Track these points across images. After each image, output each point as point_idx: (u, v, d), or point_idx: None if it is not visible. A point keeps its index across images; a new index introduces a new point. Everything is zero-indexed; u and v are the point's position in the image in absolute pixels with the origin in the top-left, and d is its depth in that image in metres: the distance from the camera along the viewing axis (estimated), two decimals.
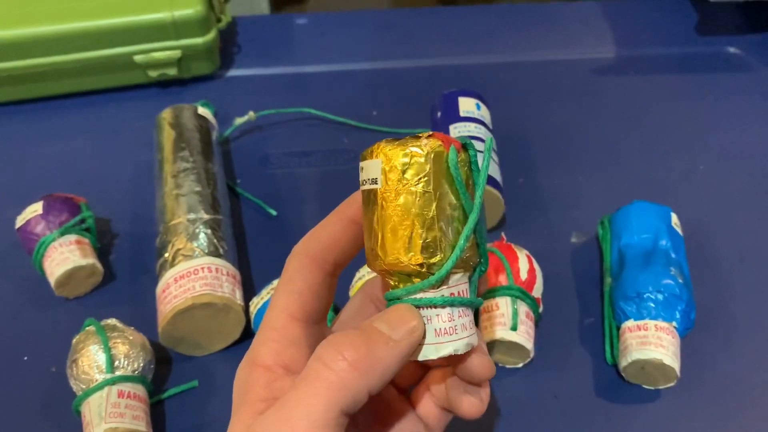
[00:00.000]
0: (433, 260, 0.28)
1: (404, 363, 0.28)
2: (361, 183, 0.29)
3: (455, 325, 0.28)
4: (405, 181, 0.28)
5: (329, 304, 0.32)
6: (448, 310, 0.28)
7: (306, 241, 0.32)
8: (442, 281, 0.28)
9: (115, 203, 0.56)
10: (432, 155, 0.28)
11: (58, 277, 0.47)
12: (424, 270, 0.28)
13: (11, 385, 0.45)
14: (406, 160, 0.28)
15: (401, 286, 0.28)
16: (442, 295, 0.28)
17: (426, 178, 0.28)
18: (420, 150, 0.28)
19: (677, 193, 0.55)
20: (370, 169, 0.28)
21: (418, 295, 0.28)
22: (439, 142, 0.28)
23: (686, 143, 0.60)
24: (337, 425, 0.26)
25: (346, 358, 0.26)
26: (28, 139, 0.62)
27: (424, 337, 0.28)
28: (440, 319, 0.28)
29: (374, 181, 0.28)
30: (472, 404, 0.31)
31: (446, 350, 0.28)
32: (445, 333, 0.28)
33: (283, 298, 0.31)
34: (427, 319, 0.28)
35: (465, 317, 0.28)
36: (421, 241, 0.28)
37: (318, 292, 0.31)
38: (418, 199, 0.28)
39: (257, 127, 0.62)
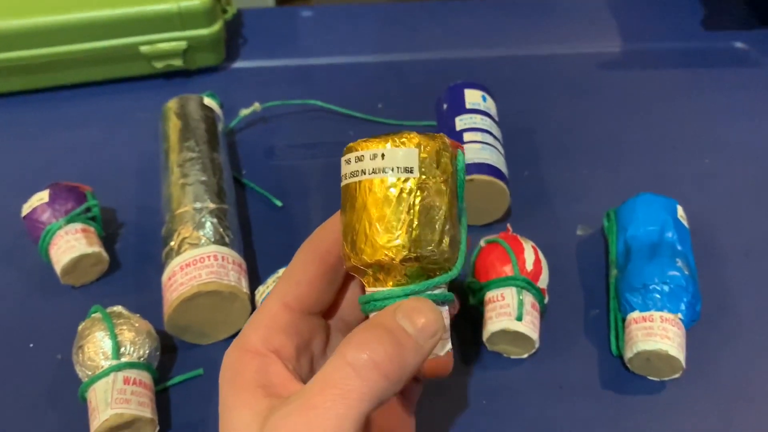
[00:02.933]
0: (455, 254, 0.28)
1: None
2: (360, 172, 0.28)
3: (448, 324, 0.29)
4: (437, 175, 0.28)
5: (331, 298, 0.32)
6: (446, 308, 0.29)
7: (314, 234, 0.32)
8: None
9: (121, 193, 0.56)
10: (453, 154, 0.28)
11: (64, 265, 0.47)
12: (438, 266, 0.28)
13: (17, 372, 0.45)
14: (439, 153, 0.28)
15: (405, 282, 0.28)
16: (444, 293, 0.29)
17: (447, 176, 0.28)
18: (445, 146, 0.28)
19: (683, 188, 0.55)
20: (396, 157, 0.27)
21: (435, 291, 0.28)
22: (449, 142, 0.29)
23: (692, 138, 0.60)
24: (361, 428, 0.26)
25: (379, 369, 0.26)
26: (34, 129, 0.62)
27: None
28: (444, 317, 0.29)
29: (408, 170, 0.27)
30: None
31: (447, 347, 0.29)
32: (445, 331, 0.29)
33: (281, 287, 0.31)
34: None
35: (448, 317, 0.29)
36: (448, 238, 0.28)
37: (316, 284, 0.31)
38: (446, 194, 0.28)
39: (262, 118, 0.62)
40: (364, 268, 0.28)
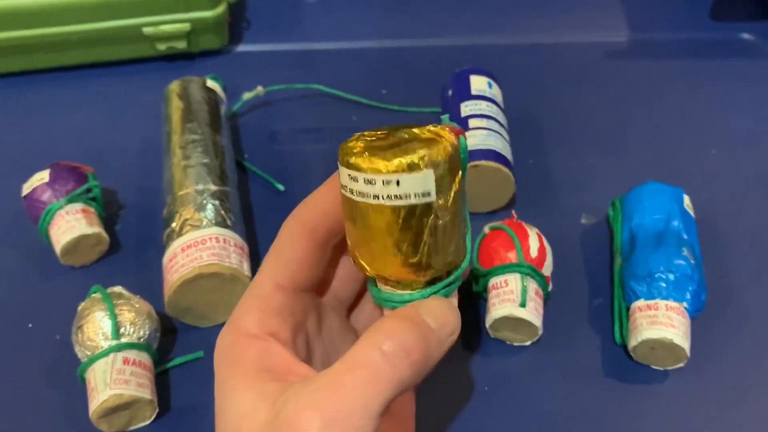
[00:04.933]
0: (465, 250, 0.29)
1: None
2: (372, 196, 0.26)
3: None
4: (451, 187, 0.27)
5: (321, 275, 0.32)
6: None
7: (298, 209, 0.31)
8: None
9: (122, 175, 0.55)
10: (457, 147, 0.27)
11: (64, 245, 0.47)
12: (453, 267, 0.29)
13: (16, 352, 0.45)
14: (450, 161, 0.27)
15: (423, 287, 0.29)
16: (456, 283, 0.30)
17: (458, 184, 0.27)
18: (454, 149, 0.27)
19: (689, 178, 0.55)
20: (413, 184, 0.26)
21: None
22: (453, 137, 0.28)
23: (698, 128, 0.60)
24: (384, 413, 0.26)
25: (409, 358, 0.26)
26: (35, 109, 0.61)
27: None
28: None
29: (425, 195, 0.26)
30: None
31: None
32: None
33: (271, 266, 0.30)
34: None
35: None
36: (463, 242, 0.29)
37: (307, 262, 0.30)
38: (459, 201, 0.28)
39: (265, 103, 0.61)
40: (372, 278, 0.29)
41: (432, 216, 0.27)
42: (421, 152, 0.26)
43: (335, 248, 0.32)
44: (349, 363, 0.26)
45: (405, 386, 0.26)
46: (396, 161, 0.26)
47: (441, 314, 0.28)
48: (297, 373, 0.28)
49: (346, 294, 0.34)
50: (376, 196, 0.26)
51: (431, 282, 0.29)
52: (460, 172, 0.27)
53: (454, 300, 0.30)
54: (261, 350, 0.29)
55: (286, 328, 0.30)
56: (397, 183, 0.26)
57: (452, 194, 0.27)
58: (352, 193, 0.27)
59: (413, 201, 0.26)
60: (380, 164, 0.26)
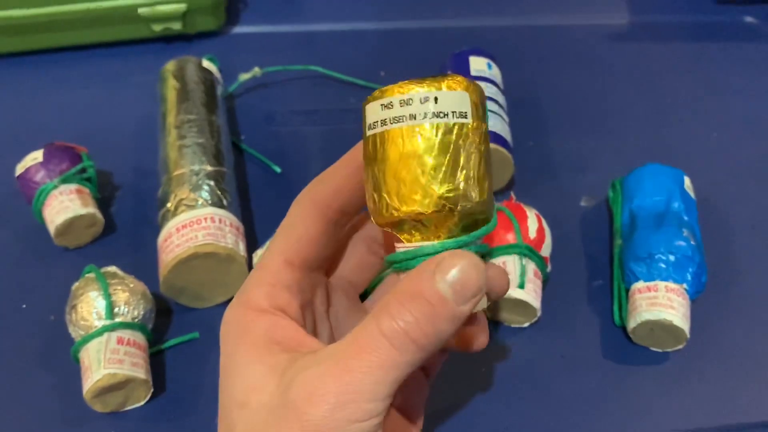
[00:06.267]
0: (493, 204, 0.28)
1: None
2: (409, 117, 0.26)
3: None
4: (483, 119, 0.27)
5: (331, 254, 0.32)
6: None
7: (311, 186, 0.31)
8: None
9: (118, 156, 0.55)
10: (484, 97, 0.27)
11: (58, 226, 0.46)
12: (483, 216, 0.27)
13: (10, 333, 0.44)
14: (480, 96, 0.27)
15: (447, 237, 0.27)
16: (484, 246, 0.28)
17: (486, 121, 0.27)
18: (481, 90, 0.27)
19: (689, 161, 0.54)
20: (452, 101, 0.26)
21: (477, 244, 0.27)
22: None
23: (699, 111, 0.59)
24: (394, 394, 0.26)
25: (415, 341, 0.25)
26: (30, 90, 0.60)
27: None
28: None
29: (462, 115, 0.26)
30: (481, 339, 0.31)
31: (483, 304, 0.27)
32: None
33: (281, 242, 0.30)
34: None
35: None
36: (491, 187, 0.27)
37: (318, 239, 0.30)
38: (487, 139, 0.27)
39: (262, 84, 0.61)
40: (403, 221, 0.27)
41: (469, 140, 0.26)
42: (457, 78, 0.26)
43: (347, 228, 0.32)
44: (354, 346, 0.26)
45: (415, 365, 0.26)
46: (433, 83, 0.26)
47: (461, 274, 0.25)
48: (306, 346, 0.28)
49: (355, 276, 0.34)
50: (413, 116, 0.26)
51: (457, 231, 0.27)
52: (486, 119, 0.27)
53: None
54: (270, 324, 0.28)
55: (294, 303, 0.29)
56: (435, 100, 0.26)
57: (484, 129, 0.27)
58: (384, 123, 0.26)
59: (451, 120, 0.26)
60: (416, 86, 0.26)
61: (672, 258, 0.42)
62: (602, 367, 0.43)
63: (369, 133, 0.27)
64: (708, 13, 0.68)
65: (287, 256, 0.30)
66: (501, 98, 0.53)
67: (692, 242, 0.43)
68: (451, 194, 0.26)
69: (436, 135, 0.26)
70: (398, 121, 0.26)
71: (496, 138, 0.49)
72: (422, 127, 0.26)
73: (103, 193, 0.51)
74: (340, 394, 0.25)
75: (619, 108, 0.59)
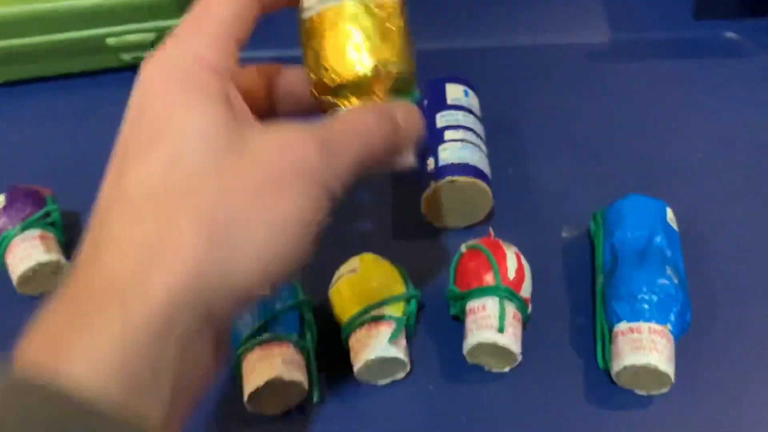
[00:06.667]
0: (415, 77, 0.34)
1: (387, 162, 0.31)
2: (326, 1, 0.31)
3: None
4: None
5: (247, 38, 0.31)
6: None
7: None
8: None
9: (85, 194, 0.52)
10: None
11: (21, 274, 0.45)
12: (408, 86, 0.33)
13: None
14: None
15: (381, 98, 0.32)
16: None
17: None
18: None
19: (673, 183, 0.53)
20: None
21: None
22: None
23: (683, 131, 0.58)
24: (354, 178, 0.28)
25: (380, 131, 0.30)
26: None
27: None
28: None
29: None
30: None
31: (411, 158, 0.32)
32: None
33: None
34: None
35: None
36: (410, 51, 0.33)
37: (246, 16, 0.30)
38: (406, 15, 0.33)
39: None
40: (343, 86, 0.31)
41: (390, 15, 0.32)
42: None
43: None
44: (338, 118, 0.29)
45: (372, 157, 0.28)
46: None
47: (407, 113, 0.30)
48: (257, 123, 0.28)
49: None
50: None
51: (396, 92, 0.32)
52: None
53: None
54: (228, 88, 0.27)
55: (240, 84, 0.29)
56: None
57: (402, 5, 0.33)
58: (314, 7, 0.32)
59: None
60: None
61: (655, 298, 0.41)
62: (586, 411, 0.42)
63: (305, 15, 0.32)
64: (688, 29, 0.67)
65: (231, 27, 0.29)
66: (479, 128, 0.52)
67: (675, 280, 0.41)
68: (382, 60, 0.31)
69: (367, 8, 0.31)
70: (328, 1, 0.31)
71: (474, 171, 0.48)
72: (349, 5, 0.31)
73: (69, 236, 0.50)
74: (329, 139, 0.28)
75: (600, 130, 0.58)
